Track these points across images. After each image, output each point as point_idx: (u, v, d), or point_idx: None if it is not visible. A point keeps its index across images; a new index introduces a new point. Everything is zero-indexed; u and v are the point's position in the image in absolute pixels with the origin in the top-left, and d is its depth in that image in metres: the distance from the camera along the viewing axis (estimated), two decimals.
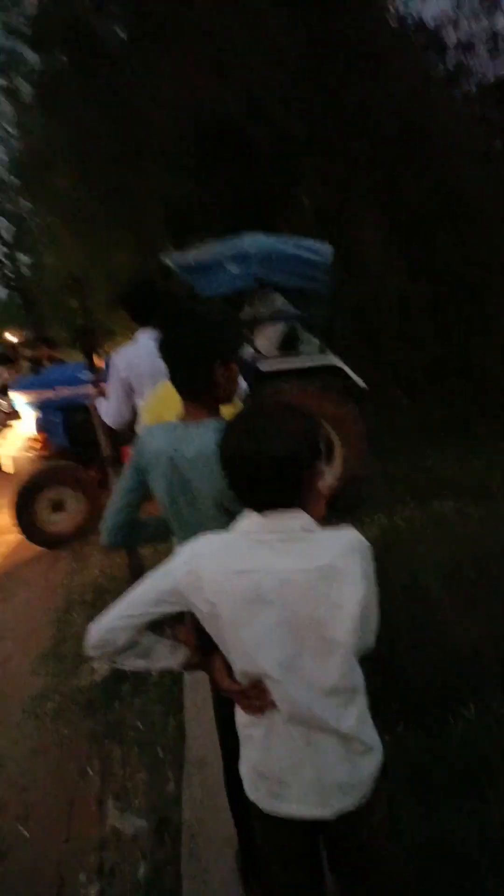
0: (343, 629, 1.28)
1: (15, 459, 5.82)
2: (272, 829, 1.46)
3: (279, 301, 5.56)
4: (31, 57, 10.47)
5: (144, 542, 2.49)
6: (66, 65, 8.88)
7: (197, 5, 6.89)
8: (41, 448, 5.73)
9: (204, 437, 1.74)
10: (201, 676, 2.02)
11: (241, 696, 1.39)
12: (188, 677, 3.21)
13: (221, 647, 1.40)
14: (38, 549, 5.59)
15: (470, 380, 7.74)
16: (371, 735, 1.40)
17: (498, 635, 2.95)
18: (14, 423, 6.17)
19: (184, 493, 1.78)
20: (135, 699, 3.20)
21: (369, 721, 1.40)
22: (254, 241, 4.66)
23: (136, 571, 3.75)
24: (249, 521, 1.36)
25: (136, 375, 3.30)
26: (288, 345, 5.63)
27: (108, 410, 3.49)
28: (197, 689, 3.06)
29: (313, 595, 1.27)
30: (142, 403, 3.32)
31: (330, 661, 1.30)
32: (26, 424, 5.82)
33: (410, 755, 2.22)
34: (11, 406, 6.43)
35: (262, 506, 1.33)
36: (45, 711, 3.25)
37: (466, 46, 9.43)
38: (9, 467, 5.85)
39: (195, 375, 1.77)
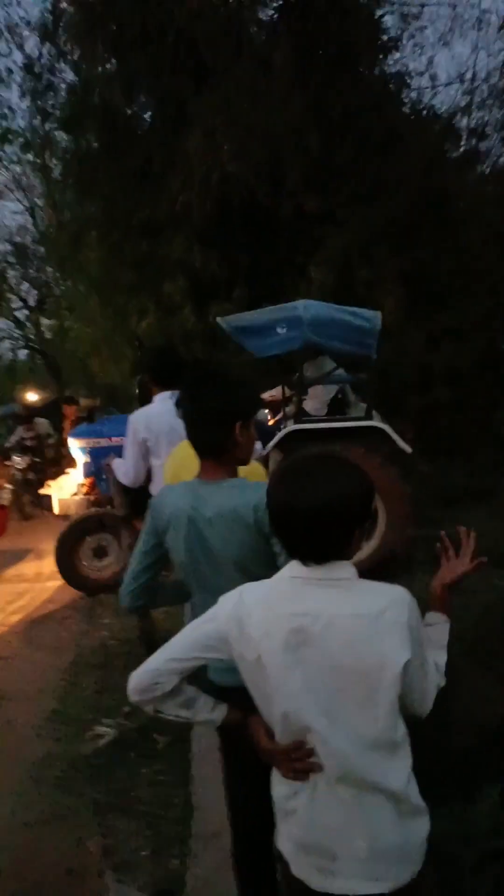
0: (388, 681, 1.24)
1: (62, 502, 5.95)
2: None
3: (329, 364, 5.70)
4: (62, 137, 11.15)
5: (163, 604, 2.47)
6: (95, 144, 9.39)
7: (221, 91, 7.31)
8: (87, 492, 5.85)
9: (223, 497, 1.74)
10: (212, 748, 1.96)
11: (282, 756, 1.34)
12: (197, 748, 3.11)
13: (262, 701, 1.37)
14: (55, 606, 5.61)
15: (490, 447, 7.75)
16: (418, 796, 1.33)
17: None
18: (70, 470, 6.39)
19: (204, 553, 1.76)
20: (142, 769, 3.08)
21: (415, 781, 1.33)
22: (306, 306, 4.80)
23: (148, 634, 3.69)
24: (295, 569, 1.35)
25: (154, 436, 3.36)
26: (337, 407, 5.72)
27: (125, 470, 3.53)
28: (206, 762, 2.95)
29: (360, 643, 1.25)
30: (158, 464, 3.36)
31: (373, 713, 1.26)
32: (79, 470, 5.98)
33: (434, 838, 2.11)
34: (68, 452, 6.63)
35: (310, 557, 1.32)
36: (49, 778, 3.13)
37: (479, 134, 9.87)
38: (57, 509, 6.01)
39: (217, 434, 1.79)
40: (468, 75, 9.87)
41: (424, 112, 9.52)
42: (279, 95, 7.19)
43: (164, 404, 3.38)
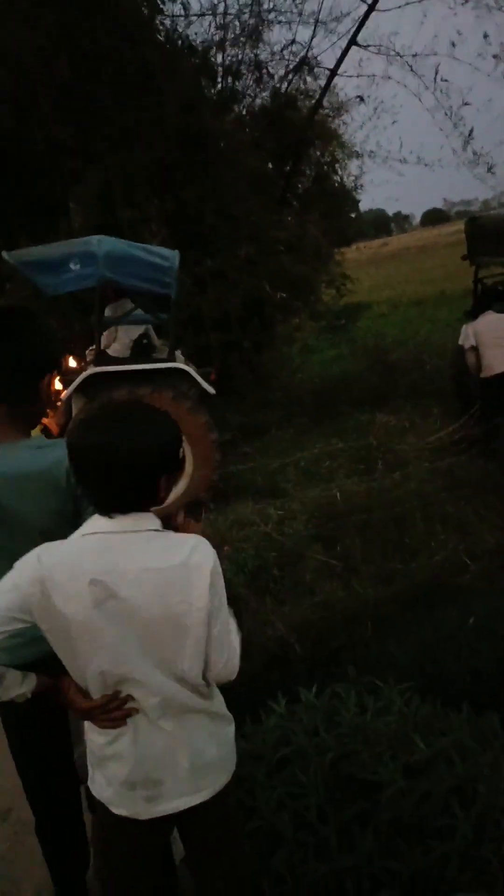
0: (196, 617, 1.31)
1: None
2: (132, 839, 1.42)
3: (129, 305, 5.50)
4: None
5: None
6: None
7: None
8: None
9: (24, 459, 1.61)
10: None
11: (100, 710, 1.35)
12: None
13: (73, 662, 1.34)
14: None
15: (258, 387, 8.12)
16: (224, 706, 1.47)
17: (302, 626, 3.09)
18: None
19: (1, 522, 1.60)
20: None
21: (220, 694, 1.48)
22: (100, 242, 4.50)
23: None
24: (98, 524, 1.33)
25: None
26: (142, 350, 5.60)
27: None
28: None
29: (167, 592, 1.29)
30: None
31: (184, 651, 1.33)
32: None
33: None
34: None
35: (117, 507, 1.32)
36: None
37: (234, 73, 9.84)
38: None
39: (25, 389, 1.65)
40: (220, 9, 9.74)
41: (180, 42, 9.21)
42: (22, 13, 6.44)
43: None
